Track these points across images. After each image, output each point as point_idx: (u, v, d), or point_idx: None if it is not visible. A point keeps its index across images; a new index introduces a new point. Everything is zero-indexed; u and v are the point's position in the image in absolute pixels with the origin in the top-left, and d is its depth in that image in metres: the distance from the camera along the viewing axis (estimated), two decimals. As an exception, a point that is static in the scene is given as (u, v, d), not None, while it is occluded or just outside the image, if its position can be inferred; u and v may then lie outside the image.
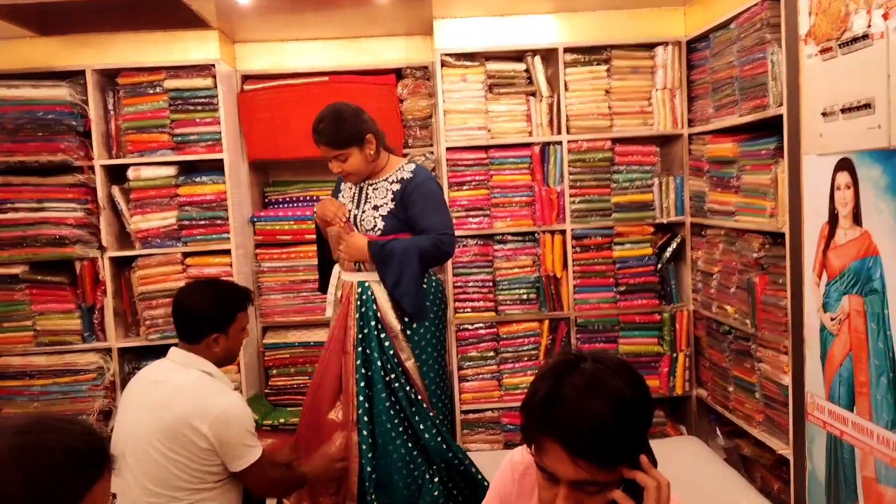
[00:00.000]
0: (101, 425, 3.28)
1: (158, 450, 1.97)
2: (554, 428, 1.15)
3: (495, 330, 3.47)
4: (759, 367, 2.82)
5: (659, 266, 3.50)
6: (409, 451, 2.46)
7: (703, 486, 2.94)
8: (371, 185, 2.56)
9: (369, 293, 2.51)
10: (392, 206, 2.50)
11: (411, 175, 2.53)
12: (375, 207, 2.52)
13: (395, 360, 2.47)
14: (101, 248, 3.30)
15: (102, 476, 1.14)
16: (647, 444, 1.23)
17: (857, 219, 2.09)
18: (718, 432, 3.31)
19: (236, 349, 2.22)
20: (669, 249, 3.51)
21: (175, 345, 2.17)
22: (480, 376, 3.48)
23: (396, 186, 2.52)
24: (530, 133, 3.45)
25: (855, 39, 2.04)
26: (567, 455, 1.14)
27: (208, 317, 2.11)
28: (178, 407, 1.97)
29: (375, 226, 2.50)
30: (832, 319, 2.26)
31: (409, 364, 2.50)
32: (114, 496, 1.20)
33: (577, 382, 1.16)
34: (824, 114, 2.22)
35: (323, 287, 2.76)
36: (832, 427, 2.28)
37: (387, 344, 2.48)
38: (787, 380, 2.59)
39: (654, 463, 1.21)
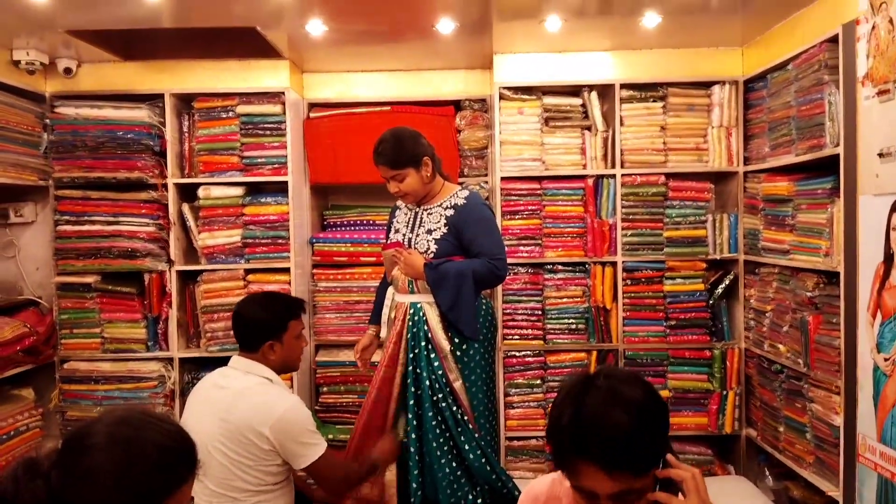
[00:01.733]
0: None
1: (221, 451, 2.07)
2: (586, 450, 1.20)
3: (543, 358, 3.50)
4: (810, 407, 2.79)
5: (711, 302, 3.49)
6: (453, 470, 2.51)
7: (750, 527, 2.91)
8: (426, 210, 2.66)
9: (421, 314, 2.59)
10: (445, 231, 2.59)
11: (465, 201, 2.62)
12: (429, 231, 2.61)
13: (444, 381, 2.53)
14: (170, 262, 3.46)
15: (189, 478, 1.20)
16: (669, 443, 1.30)
17: (912, 259, 2.09)
18: (767, 473, 3.26)
19: (293, 357, 2.32)
20: (722, 286, 3.50)
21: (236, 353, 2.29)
22: (526, 404, 3.50)
23: (450, 212, 2.61)
24: (584, 166, 3.51)
25: (913, 82, 2.07)
26: (603, 472, 1.19)
27: (262, 325, 2.23)
28: (240, 412, 2.08)
29: (429, 249, 2.58)
30: (886, 360, 2.24)
31: (458, 385, 2.55)
32: (191, 499, 1.27)
33: (595, 401, 1.22)
34: (881, 154, 2.23)
35: (374, 320, 2.86)
36: (883, 469, 2.25)
37: (436, 364, 2.54)
38: (838, 420, 2.56)
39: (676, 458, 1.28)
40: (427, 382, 2.54)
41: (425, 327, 2.58)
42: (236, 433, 2.07)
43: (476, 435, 2.54)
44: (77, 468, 1.11)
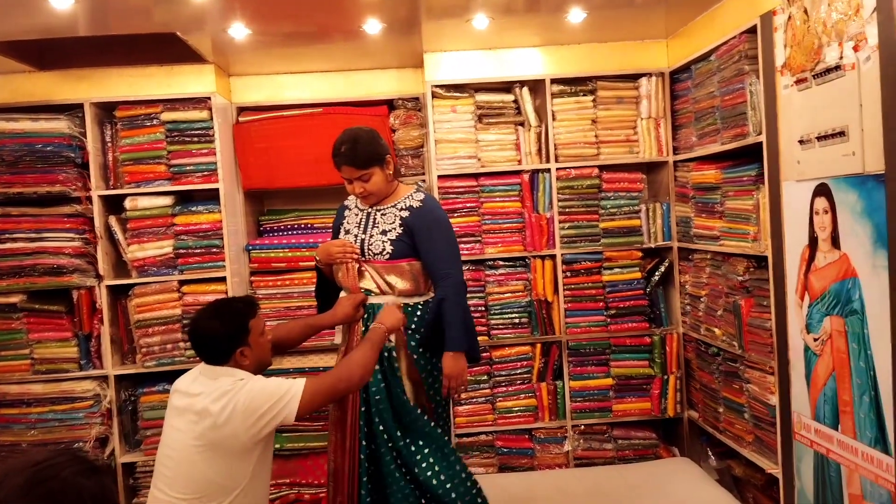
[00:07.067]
0: (97, 452, 3.29)
1: (199, 458, 2.04)
2: None
3: (488, 354, 3.52)
4: (747, 387, 2.88)
5: (648, 290, 3.56)
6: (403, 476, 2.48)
7: (696, 508, 2.98)
8: (379, 210, 2.59)
9: (376, 308, 2.53)
10: (400, 232, 2.54)
11: (421, 203, 2.57)
12: (384, 232, 2.55)
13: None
14: (98, 277, 3.34)
15: None
16: None
17: (835, 242, 2.17)
18: (710, 453, 3.35)
19: (265, 354, 2.27)
20: (658, 273, 3.58)
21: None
22: (474, 400, 3.52)
23: (405, 213, 2.55)
24: (519, 161, 3.53)
25: (828, 70, 2.14)
26: None
27: (225, 338, 2.15)
28: (215, 415, 2.03)
29: (384, 250, 2.52)
30: (815, 340, 2.32)
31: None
32: None
33: None
34: (801, 141, 2.31)
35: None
36: (818, 445, 2.34)
37: (396, 365, 2.51)
38: (774, 400, 2.65)
39: None
40: (383, 384, 2.47)
41: None
42: (212, 436, 2.03)
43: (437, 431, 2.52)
44: None
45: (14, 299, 3.29)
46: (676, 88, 3.47)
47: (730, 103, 2.87)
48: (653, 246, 3.55)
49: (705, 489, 3.13)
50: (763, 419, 2.78)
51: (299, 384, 2.11)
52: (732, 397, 3.01)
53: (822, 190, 2.23)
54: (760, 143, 2.62)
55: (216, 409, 2.03)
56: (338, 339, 2.67)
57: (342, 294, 2.64)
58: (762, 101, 2.59)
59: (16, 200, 3.27)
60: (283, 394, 2.08)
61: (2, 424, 3.30)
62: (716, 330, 3.11)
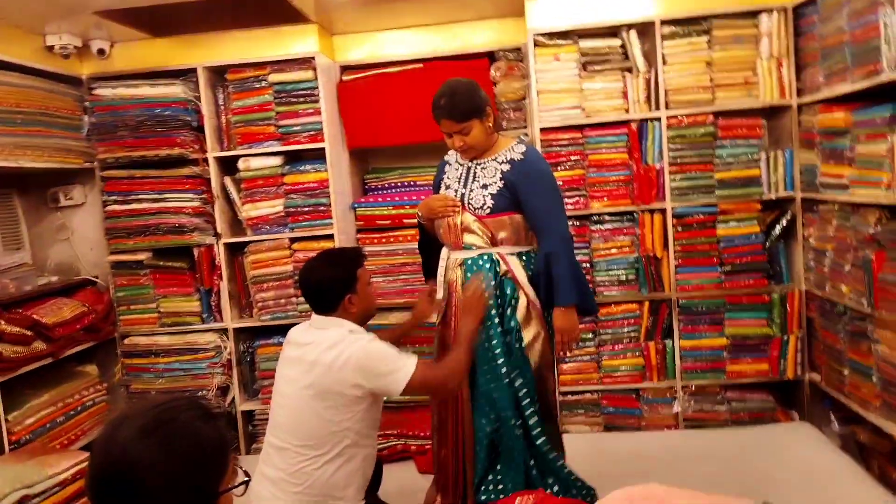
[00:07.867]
0: (219, 401, 3.50)
1: (310, 405, 2.11)
2: None
3: (594, 312, 3.44)
4: (876, 348, 2.66)
5: (768, 244, 3.35)
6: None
7: (817, 474, 2.82)
8: (479, 164, 2.55)
9: (479, 263, 2.51)
10: (501, 185, 2.48)
11: (522, 156, 2.50)
12: (484, 186, 2.50)
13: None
14: (217, 235, 3.51)
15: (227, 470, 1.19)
16: None
17: (981, 188, 1.93)
18: (833, 418, 3.14)
19: (371, 303, 2.36)
20: (779, 227, 3.35)
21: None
22: (578, 358, 3.46)
23: (506, 167, 2.49)
24: (627, 110, 3.38)
25: (977, -7, 1.88)
26: None
27: (334, 283, 2.23)
28: (327, 364, 2.10)
29: (485, 204, 2.48)
30: (956, 297, 2.10)
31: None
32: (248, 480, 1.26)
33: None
34: (944, 76, 2.06)
35: (427, 273, 2.81)
36: (956, 412, 2.13)
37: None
38: (906, 362, 2.44)
39: None
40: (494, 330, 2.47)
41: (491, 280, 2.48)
42: (325, 385, 2.10)
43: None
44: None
45: (141, 256, 3.51)
46: (801, 24, 3.18)
47: (861, 38, 2.60)
48: (774, 197, 3.31)
49: (828, 455, 2.96)
50: (893, 382, 2.57)
51: (413, 363, 2.13)
52: (859, 359, 2.80)
53: (967, 130, 1.99)
54: (894, 81, 2.37)
55: (328, 357, 2.10)
56: (440, 294, 2.66)
57: (444, 250, 2.63)
58: (899, 32, 2.33)
59: (139, 163, 3.46)
60: (399, 366, 2.12)
61: (133, 373, 3.56)
62: (843, 287, 2.88)
